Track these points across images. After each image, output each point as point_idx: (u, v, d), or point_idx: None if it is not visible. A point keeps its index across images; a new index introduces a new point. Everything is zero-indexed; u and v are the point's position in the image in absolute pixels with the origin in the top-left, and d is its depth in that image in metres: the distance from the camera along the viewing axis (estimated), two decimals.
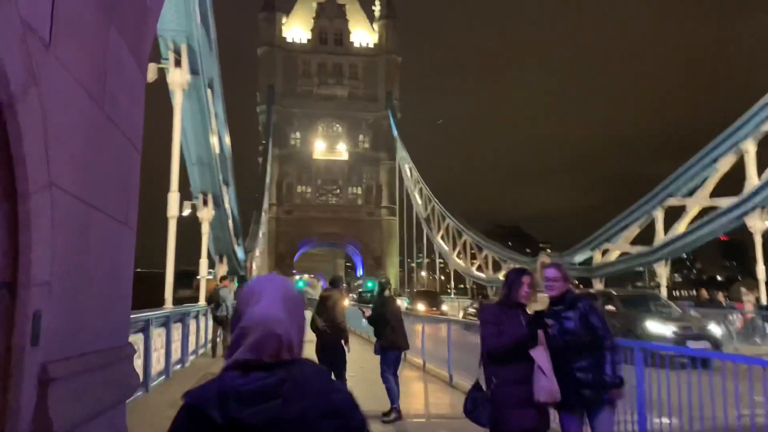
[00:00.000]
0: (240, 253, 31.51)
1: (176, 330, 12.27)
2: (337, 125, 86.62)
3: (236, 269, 29.25)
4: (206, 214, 18.85)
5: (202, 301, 19.27)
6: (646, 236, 29.78)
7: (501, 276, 47.27)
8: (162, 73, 13.89)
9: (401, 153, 76.80)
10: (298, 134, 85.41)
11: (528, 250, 74.27)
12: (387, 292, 9.38)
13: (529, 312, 4.36)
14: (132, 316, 10.43)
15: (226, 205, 22.96)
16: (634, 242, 30.51)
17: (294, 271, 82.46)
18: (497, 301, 4.44)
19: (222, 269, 25.08)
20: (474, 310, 26.51)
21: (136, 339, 9.78)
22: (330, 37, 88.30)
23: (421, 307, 31.68)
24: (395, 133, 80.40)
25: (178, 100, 13.82)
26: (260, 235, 57.45)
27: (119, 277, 3.00)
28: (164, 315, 11.16)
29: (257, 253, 52.13)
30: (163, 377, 10.73)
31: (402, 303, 37.81)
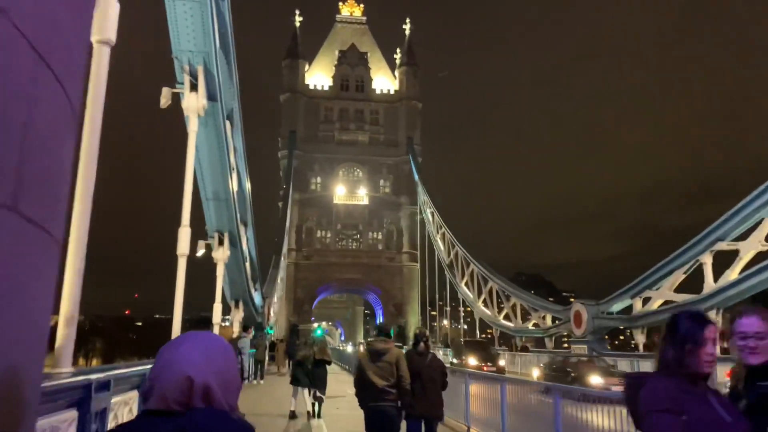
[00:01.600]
0: (257, 298, 29.97)
1: None
2: (358, 170, 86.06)
3: (253, 315, 27.70)
4: (221, 255, 17.47)
5: None
6: (691, 284, 27.65)
7: (530, 326, 44.87)
8: (177, 99, 12.75)
9: (423, 197, 75.59)
10: (318, 179, 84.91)
11: (551, 299, 71.54)
12: (421, 345, 7.69)
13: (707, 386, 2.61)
14: (129, 369, 8.56)
15: (244, 247, 21.60)
16: (678, 290, 28.35)
17: (312, 318, 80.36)
18: (662, 370, 2.62)
19: (238, 315, 23.51)
20: (551, 366, 21.56)
21: (131, 397, 8.00)
22: (352, 84, 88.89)
23: (472, 361, 27.59)
24: (416, 177, 79.44)
25: (192, 127, 12.60)
26: (278, 280, 55.97)
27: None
28: None
29: (275, 299, 50.53)
30: None
31: (444, 357, 34.48)
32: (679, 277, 28.11)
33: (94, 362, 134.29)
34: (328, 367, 13.54)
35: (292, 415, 12.92)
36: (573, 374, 17.79)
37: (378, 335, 7.09)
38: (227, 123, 16.67)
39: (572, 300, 55.43)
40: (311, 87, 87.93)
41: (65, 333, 5.15)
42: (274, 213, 79.79)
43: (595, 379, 16.34)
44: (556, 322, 41.23)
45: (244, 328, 14.56)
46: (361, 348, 41.82)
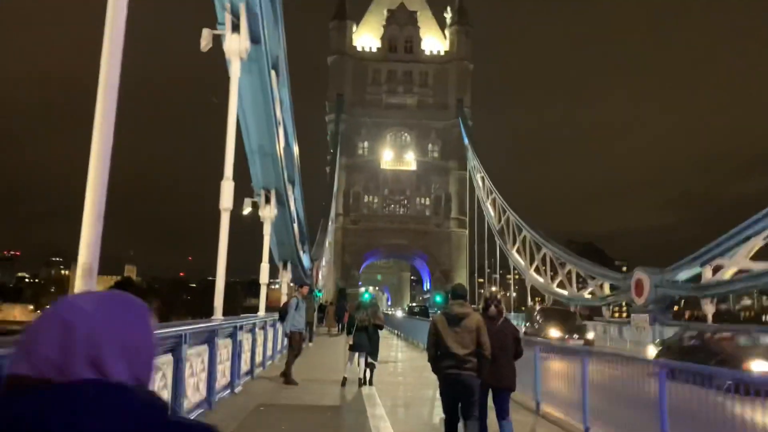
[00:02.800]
0: (306, 260, 29.42)
1: (224, 348, 9.90)
2: (406, 134, 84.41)
3: (301, 277, 27.15)
4: (268, 213, 16.67)
5: (262, 311, 17.04)
6: None
7: (586, 294, 43.10)
8: (218, 43, 11.74)
9: (472, 162, 73.56)
10: (366, 143, 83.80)
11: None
12: (492, 308, 6.85)
13: None
14: (204, 324, 8.85)
15: (292, 207, 20.83)
16: (756, 257, 26.14)
17: (359, 283, 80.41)
18: None
19: (286, 277, 22.94)
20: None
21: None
22: (400, 45, 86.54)
23: (554, 333, 23.22)
24: (466, 141, 77.29)
25: (235, 71, 11.60)
26: (326, 244, 55.67)
27: None
28: (206, 329, 8.78)
29: (323, 262, 50.25)
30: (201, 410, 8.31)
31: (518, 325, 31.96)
32: (757, 243, 25.88)
33: (153, 322, 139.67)
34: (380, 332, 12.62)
35: (344, 382, 12.10)
36: (720, 356, 13.40)
37: (455, 298, 6.31)
38: (272, 73, 15.63)
39: (624, 269, 53.07)
40: (359, 49, 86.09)
41: (82, 283, 4.36)
42: (322, 178, 79.44)
43: (760, 365, 11.96)
44: (614, 291, 39.38)
45: (300, 286, 13.77)
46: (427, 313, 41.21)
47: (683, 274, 31.12)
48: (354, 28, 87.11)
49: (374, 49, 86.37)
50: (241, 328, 11.11)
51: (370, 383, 12.16)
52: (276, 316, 18.94)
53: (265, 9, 13.06)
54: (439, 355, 5.98)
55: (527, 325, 27.12)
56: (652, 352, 16.97)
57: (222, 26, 11.74)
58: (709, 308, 28.94)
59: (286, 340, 22.37)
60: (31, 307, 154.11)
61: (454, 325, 5.93)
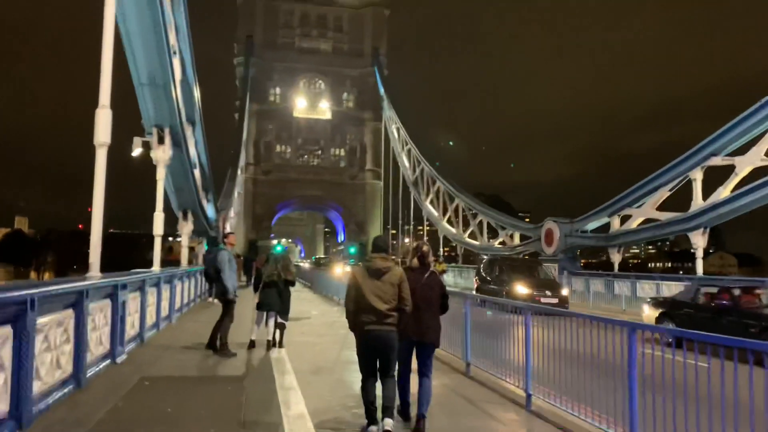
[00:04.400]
0: (210, 210, 27.22)
1: (99, 311, 8.18)
2: (320, 81, 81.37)
3: (205, 229, 25.10)
4: (162, 155, 14.57)
5: (156, 266, 15.14)
6: (678, 202, 26.25)
7: (497, 244, 43.73)
8: None
9: (388, 113, 72.26)
10: (278, 90, 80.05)
11: None
12: (415, 260, 6.35)
13: None
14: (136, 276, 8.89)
15: (191, 150, 18.65)
16: (662, 208, 26.94)
17: (272, 236, 78.17)
18: None
19: (186, 227, 20.85)
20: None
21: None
22: None
23: (521, 289, 19.58)
24: (382, 90, 75.62)
25: None
26: (235, 194, 52.92)
27: None
28: (69, 290, 7.06)
29: (232, 213, 47.76)
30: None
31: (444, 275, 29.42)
32: (663, 194, 26.59)
33: (47, 276, 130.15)
34: (291, 288, 11.25)
35: (251, 345, 10.72)
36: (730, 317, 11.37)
37: (376, 251, 5.91)
38: None
39: (527, 221, 54.49)
40: None
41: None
42: (230, 125, 75.39)
43: None
44: (523, 241, 40.10)
45: (227, 235, 11.49)
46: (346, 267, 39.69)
47: (592, 225, 31.85)
48: None
49: None
50: (124, 287, 9.35)
51: (281, 345, 10.88)
52: (179, 269, 17.09)
53: None
54: (357, 311, 5.68)
55: (478, 279, 23.67)
56: (648, 312, 13.94)
57: None
58: (616, 257, 29.87)
59: (201, 299, 20.63)
60: None
61: (375, 278, 5.65)
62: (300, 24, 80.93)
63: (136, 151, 14.52)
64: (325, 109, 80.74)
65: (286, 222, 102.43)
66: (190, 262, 24.58)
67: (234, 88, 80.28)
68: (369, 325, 5.55)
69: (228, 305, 10.32)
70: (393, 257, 7.14)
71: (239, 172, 60.02)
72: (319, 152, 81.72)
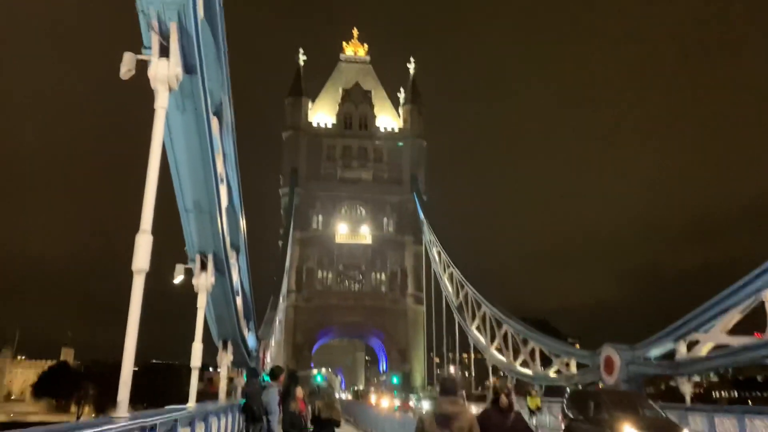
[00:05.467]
0: (251, 340, 26.33)
1: None
2: (361, 208, 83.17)
3: (245, 359, 24.05)
4: (204, 282, 14.12)
5: (192, 402, 14.04)
6: (751, 325, 24.08)
7: (552, 373, 40.86)
8: (144, 68, 9.68)
9: (428, 236, 72.42)
10: (320, 217, 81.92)
11: None
12: (503, 399, 5.69)
13: None
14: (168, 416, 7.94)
15: (234, 277, 18.22)
16: (733, 332, 24.70)
17: (311, 365, 75.91)
18: None
19: (226, 358, 19.92)
20: None
21: None
22: (355, 122, 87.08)
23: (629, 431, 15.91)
24: (421, 215, 76.46)
25: (161, 103, 9.47)
26: (276, 323, 52.10)
27: None
28: None
29: (272, 342, 46.62)
30: None
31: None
32: (734, 317, 24.50)
33: (85, 410, 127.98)
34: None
35: None
36: None
37: (445, 394, 5.48)
38: (214, 120, 13.58)
39: (577, 347, 51.36)
40: (314, 125, 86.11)
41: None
42: (274, 254, 76.45)
43: None
44: (580, 369, 37.34)
45: (275, 372, 10.01)
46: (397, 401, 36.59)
47: (655, 351, 29.43)
48: (310, 105, 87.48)
49: (329, 125, 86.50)
50: (153, 429, 8.35)
51: None
52: (215, 404, 15.92)
53: (203, 34, 11.13)
54: None
55: (566, 417, 19.76)
56: None
57: (148, 50, 9.70)
58: (686, 388, 27.09)
59: None
60: None
61: (444, 426, 5.24)
62: (342, 156, 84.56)
63: (178, 278, 14.10)
64: (365, 234, 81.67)
65: (327, 351, 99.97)
66: (228, 394, 23.34)
67: (278, 217, 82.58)
68: None
69: None
70: (462, 398, 6.29)
71: (281, 299, 59.63)
72: (360, 277, 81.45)
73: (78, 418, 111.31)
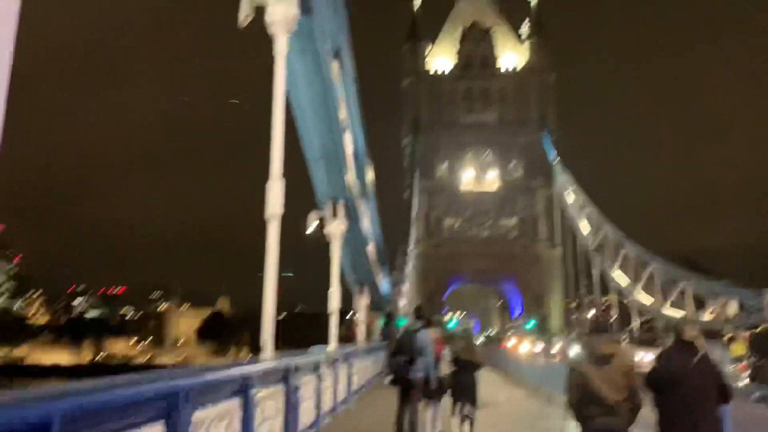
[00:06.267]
0: (385, 286, 26.80)
1: (269, 400, 7.31)
2: (487, 153, 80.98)
3: (381, 304, 24.56)
4: (336, 228, 14.26)
5: (333, 344, 14.46)
6: None
7: (707, 315, 37.63)
8: (262, 16, 9.51)
9: (561, 177, 69.02)
10: (445, 165, 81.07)
11: None
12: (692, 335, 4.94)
13: None
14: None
15: (365, 223, 18.35)
16: None
17: (444, 310, 76.84)
18: None
19: (362, 302, 20.38)
20: None
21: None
22: (476, 62, 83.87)
23: None
24: (552, 155, 72.87)
25: (281, 48, 9.28)
26: (407, 270, 52.96)
27: None
28: (225, 379, 6.23)
29: (405, 289, 47.53)
30: None
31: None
32: None
33: (243, 353, 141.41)
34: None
35: None
36: None
37: (596, 332, 5.43)
38: (334, 63, 13.32)
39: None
40: (434, 70, 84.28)
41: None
42: (399, 204, 77.34)
43: None
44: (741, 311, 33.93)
45: (418, 313, 9.09)
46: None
47: None
48: (428, 49, 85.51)
49: (449, 69, 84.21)
50: (297, 369, 8.50)
51: None
52: (356, 347, 16.33)
53: None
54: (581, 401, 5.00)
55: (753, 358, 17.65)
56: None
57: None
58: None
59: (379, 379, 19.44)
60: (135, 339, 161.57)
61: (601, 365, 4.94)
62: (464, 99, 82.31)
63: (311, 227, 14.33)
64: (492, 180, 79.75)
65: (458, 297, 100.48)
66: (367, 337, 24.05)
67: (401, 166, 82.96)
68: (598, 418, 4.83)
69: (415, 393, 8.80)
70: (618, 339, 5.64)
71: (410, 248, 60.39)
72: (489, 224, 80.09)
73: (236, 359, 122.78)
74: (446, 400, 9.82)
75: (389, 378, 9.38)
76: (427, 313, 9.51)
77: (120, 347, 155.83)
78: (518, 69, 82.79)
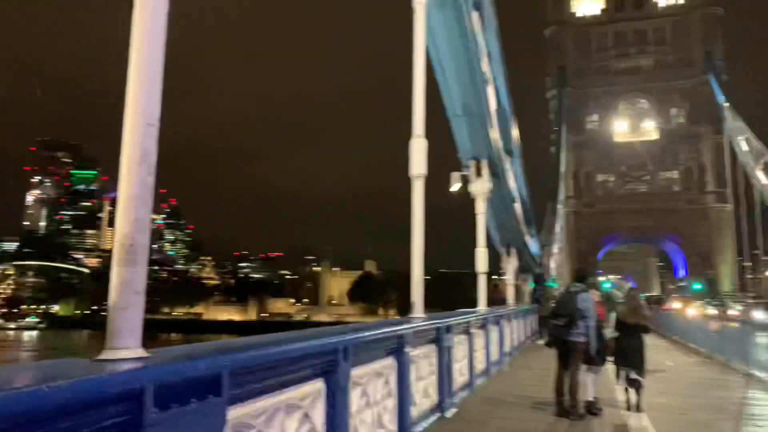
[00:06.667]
0: (534, 247, 25.83)
1: (424, 359, 7.29)
2: (643, 100, 74.35)
3: (529, 265, 23.76)
4: (480, 187, 13.80)
5: (482, 305, 14.20)
6: None
7: None
8: None
9: (731, 123, 61.44)
10: (595, 117, 75.92)
11: None
12: None
13: None
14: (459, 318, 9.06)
15: (510, 182, 17.65)
16: None
17: (597, 272, 72.99)
18: None
19: (511, 264, 19.80)
20: None
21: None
22: (629, 2, 76.65)
23: None
24: (721, 99, 64.96)
25: (419, 0, 8.94)
26: (557, 230, 50.77)
27: None
28: (380, 336, 6.24)
29: (554, 249, 45.67)
30: None
31: None
32: None
33: (391, 313, 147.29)
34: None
35: (593, 407, 8.57)
36: None
37: None
38: (474, 14, 12.70)
39: None
40: (579, 15, 78.47)
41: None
42: (545, 161, 74.07)
43: None
44: None
45: (581, 274, 8.29)
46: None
47: None
48: None
49: (597, 12, 77.91)
50: (449, 329, 8.39)
51: (639, 409, 8.51)
52: (506, 308, 15.98)
53: None
54: None
55: None
56: None
57: None
58: None
59: (531, 341, 19.05)
60: (292, 300, 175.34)
61: None
62: (615, 44, 75.98)
63: (455, 187, 14.02)
64: (650, 130, 73.25)
65: (613, 257, 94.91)
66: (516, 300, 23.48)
67: (546, 122, 79.15)
68: None
69: (575, 358, 8.27)
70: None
71: (559, 206, 57.76)
72: (647, 178, 74.01)
73: (385, 318, 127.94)
74: (608, 366, 9.19)
75: (546, 340, 8.96)
76: (590, 275, 8.87)
77: (280, 306, 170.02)
78: (678, 3, 74.27)
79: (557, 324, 8.20)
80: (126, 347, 2.80)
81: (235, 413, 3.24)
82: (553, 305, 8.65)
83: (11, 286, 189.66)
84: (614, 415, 8.46)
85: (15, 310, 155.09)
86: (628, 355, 8.62)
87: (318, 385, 4.49)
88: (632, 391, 8.61)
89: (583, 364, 8.37)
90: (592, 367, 8.62)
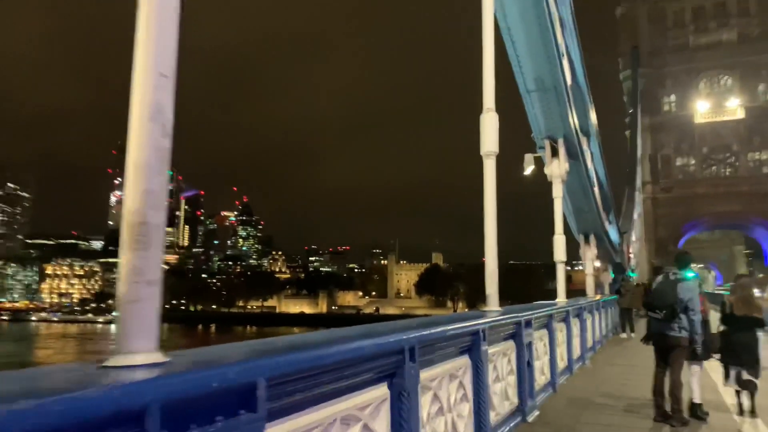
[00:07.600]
0: (613, 234, 24.22)
1: (502, 356, 6.50)
2: (726, 77, 69.40)
3: (609, 254, 22.26)
4: (557, 169, 12.73)
5: (561, 297, 13.19)
6: None
7: None
8: None
9: None
10: (672, 97, 71.54)
11: None
12: None
13: None
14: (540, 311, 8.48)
15: (588, 164, 16.38)
16: None
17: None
18: None
19: (589, 253, 18.48)
20: None
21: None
22: None
23: None
24: None
25: None
26: (635, 216, 48.03)
27: None
28: (452, 333, 5.48)
29: (633, 237, 43.19)
30: None
31: None
32: None
33: (460, 305, 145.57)
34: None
35: (698, 410, 7.50)
36: None
37: None
38: None
39: None
40: None
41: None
42: (618, 144, 70.56)
43: None
44: None
45: (681, 258, 6.98)
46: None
47: None
48: None
49: None
50: (528, 324, 7.56)
51: (752, 413, 7.39)
52: (587, 300, 14.81)
53: None
54: None
55: None
56: None
57: None
58: None
59: (613, 334, 17.76)
60: (360, 293, 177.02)
61: None
62: (693, 19, 71.21)
63: (528, 169, 13.02)
64: (734, 109, 68.28)
65: (695, 245, 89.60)
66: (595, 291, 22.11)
67: (620, 103, 75.38)
68: None
69: (677, 356, 7.20)
70: None
71: (636, 192, 54.73)
72: (732, 160, 69.11)
73: (454, 311, 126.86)
74: (713, 364, 8.07)
75: (643, 337, 7.93)
76: (690, 259, 7.73)
77: (349, 299, 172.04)
78: None
79: (655, 317, 7.19)
80: (137, 351, 2.22)
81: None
82: (647, 296, 7.59)
83: (98, 283, 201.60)
84: (723, 421, 7.37)
85: (103, 305, 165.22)
86: (739, 353, 7.50)
87: (381, 392, 3.82)
88: (744, 394, 7.49)
89: (685, 360, 7.34)
90: (694, 363, 7.56)
